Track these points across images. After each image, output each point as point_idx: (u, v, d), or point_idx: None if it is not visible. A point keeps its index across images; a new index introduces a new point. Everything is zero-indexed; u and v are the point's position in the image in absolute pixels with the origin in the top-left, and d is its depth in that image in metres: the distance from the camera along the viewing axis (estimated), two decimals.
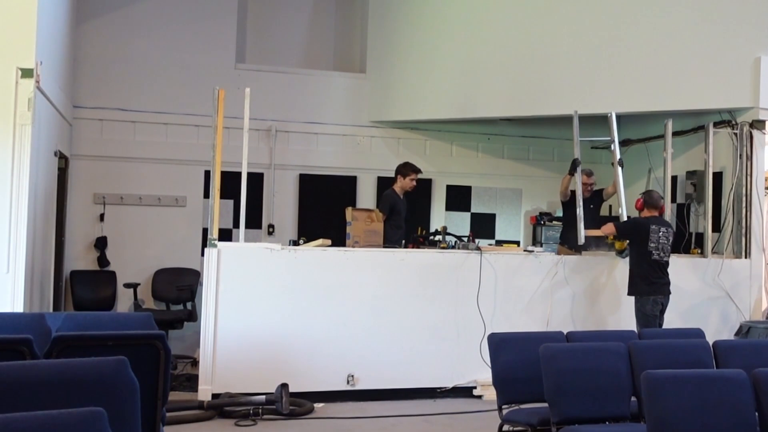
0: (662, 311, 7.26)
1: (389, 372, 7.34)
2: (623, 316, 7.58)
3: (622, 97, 8.57)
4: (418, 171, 8.41)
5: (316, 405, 6.89)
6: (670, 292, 7.30)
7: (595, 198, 8.69)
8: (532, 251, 7.91)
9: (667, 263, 7.31)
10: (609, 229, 7.57)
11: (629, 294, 7.35)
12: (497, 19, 9.15)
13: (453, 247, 7.85)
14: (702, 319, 7.78)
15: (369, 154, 10.08)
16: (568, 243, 8.22)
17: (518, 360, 5.39)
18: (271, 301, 7.11)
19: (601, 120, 10.31)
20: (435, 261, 7.57)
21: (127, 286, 9.04)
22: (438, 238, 8.11)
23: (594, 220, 8.34)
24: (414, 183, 8.39)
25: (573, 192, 8.26)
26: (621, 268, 7.70)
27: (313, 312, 7.19)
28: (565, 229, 8.76)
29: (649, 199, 7.45)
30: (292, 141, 9.87)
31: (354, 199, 9.92)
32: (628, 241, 7.54)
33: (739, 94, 8.14)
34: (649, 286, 7.19)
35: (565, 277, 7.74)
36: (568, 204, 8.45)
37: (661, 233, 7.25)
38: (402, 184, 8.39)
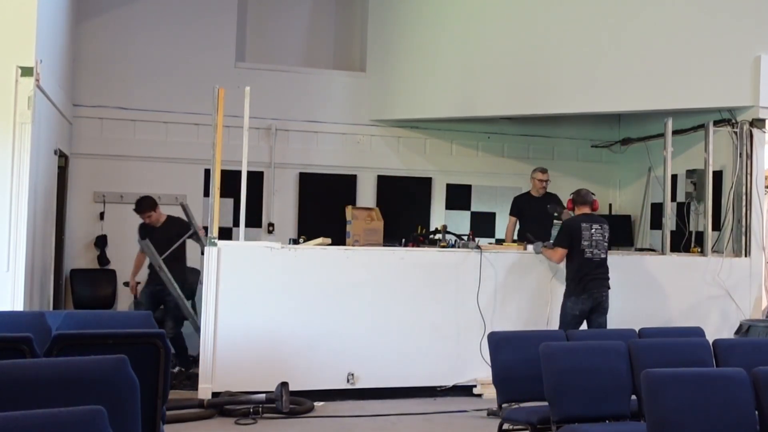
0: (593, 311, 7.06)
1: (389, 370, 7.35)
2: (623, 315, 7.56)
3: (622, 95, 8.56)
4: None
5: (316, 403, 6.89)
6: (604, 288, 7.10)
7: (552, 199, 8.84)
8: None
9: (602, 260, 7.17)
10: (556, 254, 7.27)
11: (564, 295, 7.23)
12: (497, 18, 9.15)
13: (453, 246, 7.85)
14: (702, 318, 7.77)
15: (369, 152, 10.08)
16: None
17: (518, 359, 5.39)
18: (271, 299, 7.10)
19: (601, 119, 10.36)
20: (435, 260, 7.57)
21: (127, 284, 9.03)
22: (438, 236, 8.11)
23: (546, 221, 8.77)
24: None
25: (518, 208, 9.01)
26: (621, 267, 7.67)
27: (313, 310, 7.19)
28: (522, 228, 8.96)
29: (578, 197, 7.36)
30: (292, 140, 9.87)
31: (354, 198, 9.92)
32: None
33: (739, 92, 8.14)
34: (577, 284, 7.07)
35: (566, 276, 7.73)
36: (520, 213, 9.00)
37: (593, 230, 7.13)
38: None
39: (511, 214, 9.09)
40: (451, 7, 9.49)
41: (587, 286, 7.06)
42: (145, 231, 8.21)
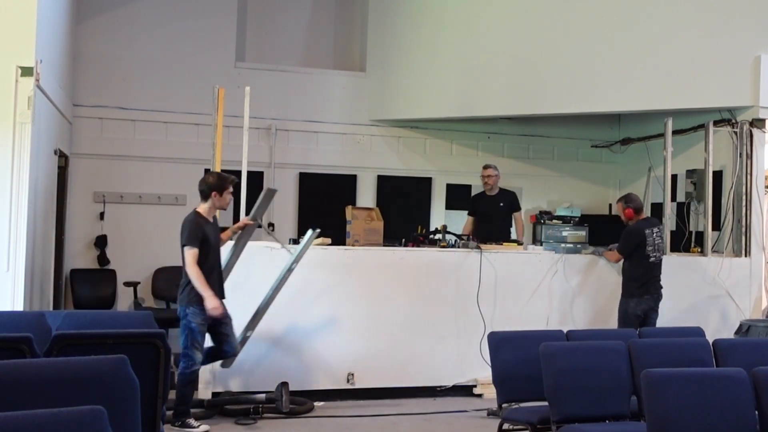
0: (651, 310, 7.33)
1: (389, 370, 7.34)
2: None
3: (622, 95, 8.57)
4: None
5: (316, 403, 6.90)
6: (660, 287, 7.40)
7: (505, 197, 8.87)
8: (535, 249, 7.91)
9: (661, 261, 7.44)
10: (615, 256, 7.60)
11: (623, 296, 7.42)
12: (497, 18, 9.15)
13: (453, 246, 7.85)
14: (702, 318, 7.77)
15: (369, 152, 10.08)
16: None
17: (518, 359, 5.39)
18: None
19: (601, 119, 10.35)
20: (435, 260, 7.57)
21: (127, 284, 9.04)
22: (438, 236, 8.10)
23: (503, 219, 8.82)
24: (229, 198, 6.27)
25: (475, 206, 8.97)
26: (621, 267, 7.68)
27: (312, 310, 7.19)
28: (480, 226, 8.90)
29: (636, 204, 7.52)
30: (292, 139, 9.87)
31: (354, 198, 9.92)
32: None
33: (739, 92, 8.14)
34: (641, 287, 7.31)
35: (565, 276, 7.75)
36: (475, 211, 8.96)
37: (655, 234, 7.37)
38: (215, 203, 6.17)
39: (469, 213, 9.10)
40: (451, 7, 9.49)
41: (650, 288, 7.33)
42: (199, 225, 6.04)
